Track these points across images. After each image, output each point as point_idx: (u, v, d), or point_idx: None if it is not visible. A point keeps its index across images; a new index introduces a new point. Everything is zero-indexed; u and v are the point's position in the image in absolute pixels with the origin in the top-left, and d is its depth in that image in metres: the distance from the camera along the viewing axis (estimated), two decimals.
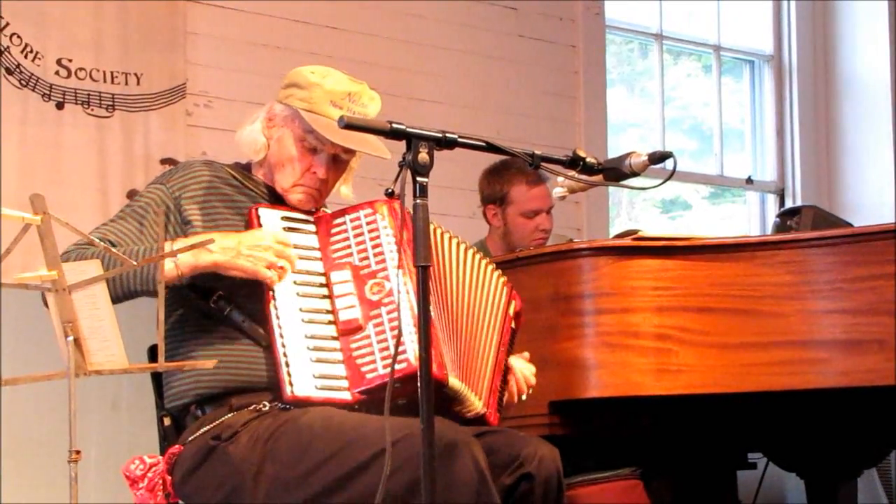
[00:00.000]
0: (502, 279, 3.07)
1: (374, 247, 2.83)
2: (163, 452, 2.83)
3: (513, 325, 3.08)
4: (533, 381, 3.11)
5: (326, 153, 2.91)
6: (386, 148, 2.78)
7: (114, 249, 2.68)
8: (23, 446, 4.20)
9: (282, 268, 2.76)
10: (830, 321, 3.46)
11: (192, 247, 2.64)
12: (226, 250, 2.73)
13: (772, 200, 6.84)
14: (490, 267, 3.05)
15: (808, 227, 4.15)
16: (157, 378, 2.97)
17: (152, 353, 2.94)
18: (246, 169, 3.02)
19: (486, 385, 2.93)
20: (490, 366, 2.95)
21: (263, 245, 2.74)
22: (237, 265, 2.73)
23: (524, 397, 3.10)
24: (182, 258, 2.69)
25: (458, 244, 2.97)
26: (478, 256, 3.02)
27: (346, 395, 2.73)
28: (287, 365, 2.70)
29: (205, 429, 2.75)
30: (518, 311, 3.10)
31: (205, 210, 2.87)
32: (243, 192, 2.95)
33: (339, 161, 2.95)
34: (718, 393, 3.55)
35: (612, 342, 3.53)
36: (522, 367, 3.11)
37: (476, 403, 2.87)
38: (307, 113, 2.87)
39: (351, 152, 2.94)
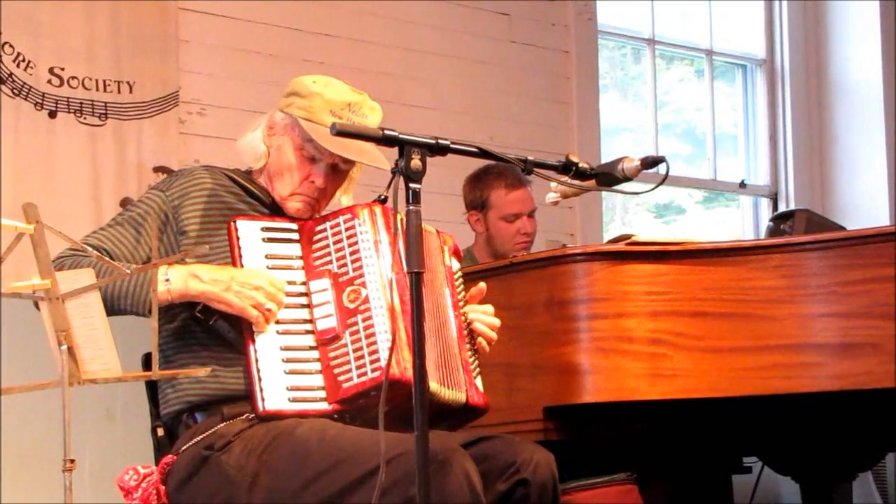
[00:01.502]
0: (429, 228, 2.97)
1: (352, 253, 2.80)
2: (157, 463, 2.82)
3: (454, 266, 3.03)
4: (496, 322, 3.05)
5: (325, 162, 2.91)
6: (384, 158, 2.77)
7: (109, 261, 2.67)
8: (18, 455, 4.20)
9: (269, 310, 2.74)
10: (824, 325, 3.46)
11: (183, 255, 2.65)
12: (216, 283, 2.73)
13: (765, 204, 6.85)
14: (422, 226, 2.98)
15: (802, 230, 4.16)
16: (152, 387, 2.96)
17: (146, 362, 2.94)
18: (249, 174, 3.01)
19: (458, 365, 2.89)
20: (454, 341, 2.91)
21: (254, 284, 2.73)
22: (225, 299, 2.72)
23: (494, 341, 3.04)
24: (173, 284, 2.70)
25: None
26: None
27: (324, 406, 2.71)
28: (259, 379, 2.69)
29: (197, 438, 2.75)
30: (453, 248, 3.05)
31: (203, 220, 2.86)
32: (245, 199, 2.94)
33: (337, 170, 2.94)
34: (713, 397, 3.55)
35: (606, 347, 3.53)
36: (482, 318, 3.04)
37: (458, 396, 2.86)
38: (306, 122, 2.87)
39: (350, 162, 2.93)
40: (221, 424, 2.74)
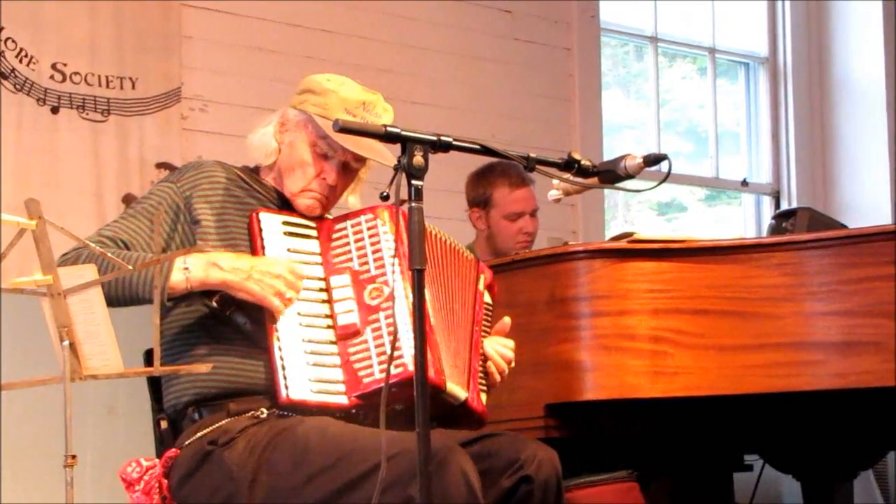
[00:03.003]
0: (468, 255, 3.06)
1: (374, 252, 2.83)
2: (159, 456, 2.83)
3: (486, 298, 3.08)
4: (510, 355, 3.08)
5: (337, 160, 2.91)
6: (394, 157, 2.78)
7: (114, 254, 2.67)
8: (19, 450, 4.20)
9: (289, 299, 2.75)
10: (826, 323, 3.46)
11: (185, 251, 2.66)
12: (237, 271, 2.73)
13: (767, 202, 6.85)
14: (456, 247, 3.03)
15: (804, 228, 4.16)
16: (153, 382, 2.96)
17: (148, 357, 2.94)
18: (254, 172, 3.02)
19: (465, 368, 2.91)
20: (467, 348, 2.94)
21: (275, 272, 2.74)
22: (246, 287, 2.72)
23: (506, 373, 3.07)
24: (192, 272, 2.71)
25: (430, 232, 2.94)
26: (447, 240, 3.01)
27: (343, 400, 2.73)
28: (283, 368, 2.70)
29: (202, 433, 2.75)
30: (489, 283, 3.10)
31: (216, 211, 2.87)
32: (253, 195, 2.95)
33: (348, 169, 2.95)
34: (714, 395, 3.55)
35: (608, 345, 3.53)
36: (497, 347, 3.07)
37: (460, 393, 2.87)
38: (321, 119, 2.87)
39: (361, 161, 2.94)
40: (226, 420, 2.75)
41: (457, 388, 2.84)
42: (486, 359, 3.04)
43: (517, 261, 3.74)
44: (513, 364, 3.10)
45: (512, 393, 3.50)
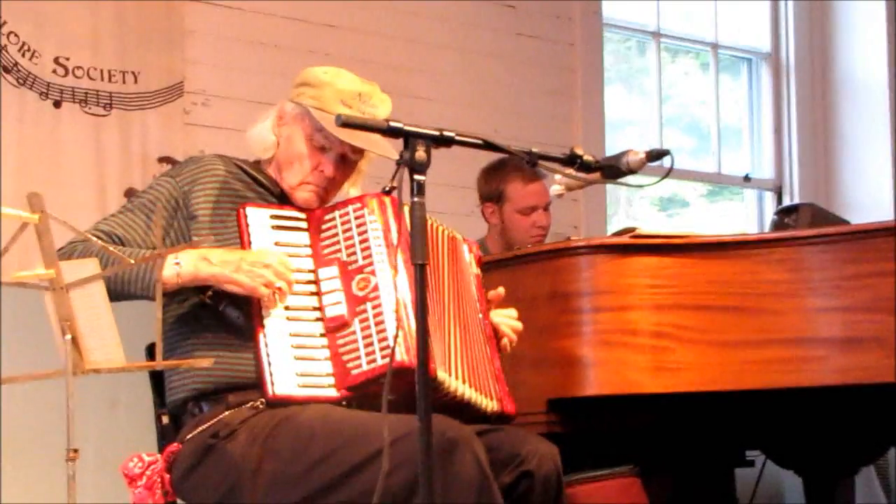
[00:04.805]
0: (448, 232, 3.01)
1: (361, 241, 2.82)
2: (161, 451, 2.83)
3: (474, 269, 3.07)
4: (519, 326, 3.11)
5: (335, 152, 2.92)
6: (393, 149, 2.77)
7: (112, 248, 2.68)
8: (21, 445, 4.20)
9: (279, 289, 2.75)
10: (828, 319, 3.46)
11: (187, 246, 2.67)
12: (226, 264, 2.73)
13: (769, 198, 6.85)
14: (440, 228, 2.99)
15: (806, 224, 4.15)
16: (156, 376, 2.97)
17: (150, 352, 2.95)
18: (260, 166, 3.02)
19: (492, 377, 2.94)
20: (486, 355, 2.96)
21: (264, 262, 2.74)
22: (235, 279, 2.73)
23: (514, 343, 3.11)
24: (183, 268, 2.71)
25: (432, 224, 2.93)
26: (433, 223, 2.94)
27: (332, 392, 2.73)
28: (269, 364, 2.70)
29: (203, 427, 2.75)
30: (478, 257, 3.10)
31: (214, 206, 2.87)
32: (254, 188, 2.95)
33: (347, 161, 2.95)
34: (716, 391, 3.54)
35: (609, 340, 3.53)
36: (505, 320, 3.10)
37: (488, 403, 2.88)
38: (317, 111, 2.87)
39: (359, 152, 2.94)
40: (226, 413, 2.75)
41: (491, 402, 2.88)
42: (497, 341, 3.05)
43: (519, 256, 3.73)
44: (520, 329, 3.11)
45: (513, 388, 3.49)
